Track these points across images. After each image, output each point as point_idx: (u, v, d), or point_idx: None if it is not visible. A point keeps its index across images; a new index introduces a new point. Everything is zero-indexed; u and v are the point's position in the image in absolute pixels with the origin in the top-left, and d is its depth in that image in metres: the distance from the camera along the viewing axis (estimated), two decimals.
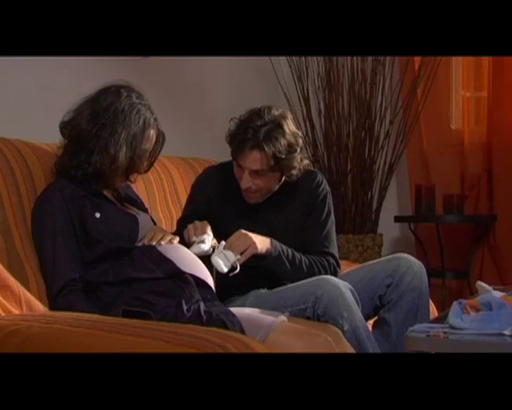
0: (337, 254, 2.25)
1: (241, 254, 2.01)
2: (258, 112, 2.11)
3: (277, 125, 2.09)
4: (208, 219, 2.09)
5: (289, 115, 2.18)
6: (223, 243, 2.00)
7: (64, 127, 1.97)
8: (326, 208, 2.27)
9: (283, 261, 2.11)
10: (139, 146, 1.93)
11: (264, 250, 2.07)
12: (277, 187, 2.21)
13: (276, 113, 2.12)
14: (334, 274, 2.17)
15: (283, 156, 2.09)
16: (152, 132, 1.97)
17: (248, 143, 2.07)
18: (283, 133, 2.09)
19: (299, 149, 2.15)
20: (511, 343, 1.46)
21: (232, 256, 1.97)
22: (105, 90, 1.96)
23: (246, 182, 2.12)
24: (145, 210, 2.16)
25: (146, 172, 2.07)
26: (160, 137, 2.02)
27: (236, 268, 1.97)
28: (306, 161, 2.23)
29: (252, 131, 2.06)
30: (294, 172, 2.16)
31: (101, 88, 1.96)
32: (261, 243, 2.07)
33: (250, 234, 2.05)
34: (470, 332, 1.51)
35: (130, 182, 2.06)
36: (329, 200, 2.29)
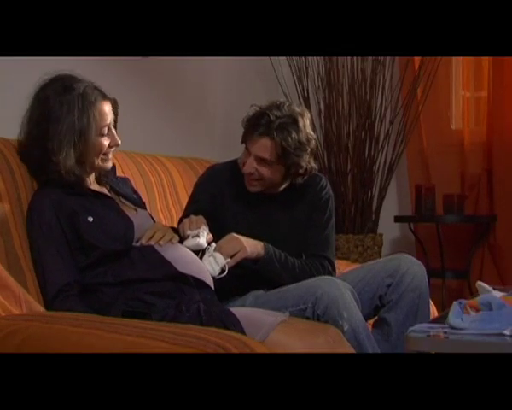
0: (333, 259, 2.25)
1: (231, 257, 2.01)
2: (278, 105, 2.13)
3: (293, 120, 2.10)
4: (211, 219, 2.09)
5: (308, 115, 2.18)
6: (213, 245, 2.00)
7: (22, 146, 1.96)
8: (327, 212, 2.26)
9: (275, 265, 2.11)
10: (86, 134, 1.86)
11: (254, 254, 2.07)
12: (281, 188, 2.21)
13: (296, 109, 2.14)
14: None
15: (291, 151, 2.09)
16: (96, 110, 1.89)
17: (260, 129, 2.08)
18: (297, 129, 2.10)
19: (309, 150, 2.15)
20: (511, 343, 1.46)
21: (222, 259, 1.97)
22: (35, 96, 1.91)
23: (249, 167, 2.12)
24: (143, 205, 2.15)
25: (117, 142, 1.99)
26: (113, 103, 1.97)
27: (225, 271, 1.97)
28: (315, 165, 2.22)
29: (267, 118, 2.08)
30: (301, 170, 2.16)
31: (35, 93, 1.92)
32: (252, 247, 2.07)
33: (241, 238, 2.06)
34: (470, 332, 1.51)
35: (107, 166, 1.98)
36: (331, 204, 2.29)
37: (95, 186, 1.99)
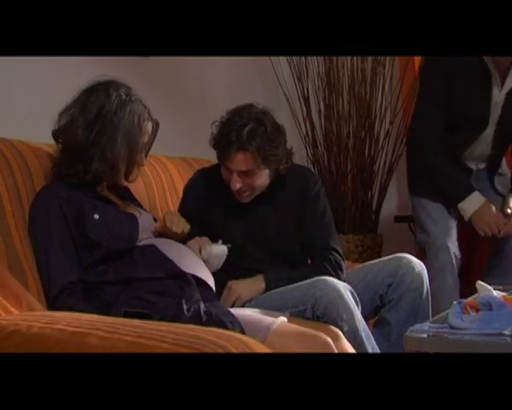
0: (339, 248, 2.24)
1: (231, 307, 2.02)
2: (238, 112, 2.13)
3: (258, 121, 2.11)
4: (199, 224, 2.11)
5: (270, 110, 2.19)
6: None
7: (58, 134, 1.95)
8: (321, 204, 2.27)
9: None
10: (136, 143, 1.93)
11: (254, 294, 2.10)
12: (268, 182, 2.21)
13: (256, 110, 2.14)
14: (339, 269, 2.16)
15: (268, 153, 2.10)
16: (147, 125, 1.97)
17: (233, 146, 2.08)
18: (265, 130, 2.11)
19: (283, 141, 2.17)
20: (511, 343, 1.46)
21: None
22: (92, 90, 1.93)
23: (235, 183, 2.13)
24: (145, 209, 2.16)
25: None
26: (155, 126, 2.02)
27: None
28: (293, 152, 2.25)
29: (235, 133, 2.08)
30: (282, 166, 2.17)
31: (89, 87, 1.93)
32: (249, 290, 2.09)
33: (236, 286, 2.08)
34: (470, 332, 1.51)
35: (130, 182, 2.03)
36: (323, 195, 2.30)
37: (104, 192, 2.00)
